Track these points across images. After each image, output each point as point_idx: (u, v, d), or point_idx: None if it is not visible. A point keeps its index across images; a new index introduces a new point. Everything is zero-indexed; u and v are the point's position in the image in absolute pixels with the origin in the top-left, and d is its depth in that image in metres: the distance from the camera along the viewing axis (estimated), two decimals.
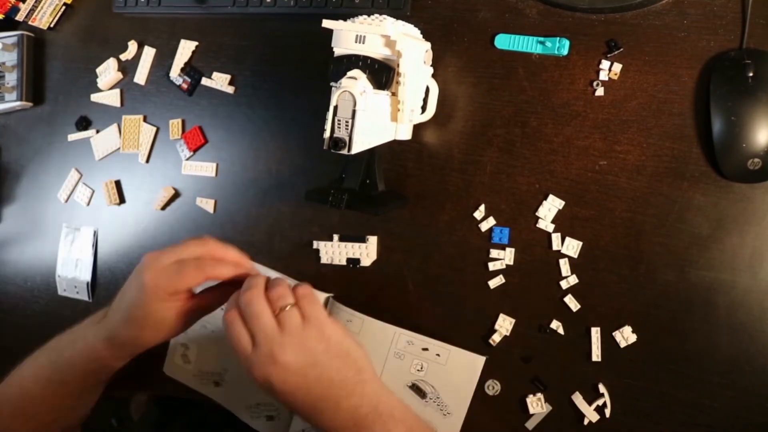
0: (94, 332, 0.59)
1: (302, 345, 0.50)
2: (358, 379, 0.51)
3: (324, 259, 0.67)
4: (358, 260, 0.66)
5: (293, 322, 0.50)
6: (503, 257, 0.60)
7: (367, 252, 0.65)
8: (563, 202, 0.58)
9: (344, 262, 0.66)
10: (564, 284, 0.58)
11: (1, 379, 0.64)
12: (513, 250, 0.60)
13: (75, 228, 0.81)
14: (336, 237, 0.67)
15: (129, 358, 0.61)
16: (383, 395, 0.52)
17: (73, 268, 0.81)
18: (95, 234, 0.80)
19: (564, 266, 0.58)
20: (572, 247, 0.58)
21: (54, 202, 0.83)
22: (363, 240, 0.66)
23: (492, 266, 0.60)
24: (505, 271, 0.60)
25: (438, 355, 0.61)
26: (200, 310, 0.57)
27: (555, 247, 0.58)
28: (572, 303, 0.58)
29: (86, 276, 0.79)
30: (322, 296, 0.66)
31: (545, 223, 0.59)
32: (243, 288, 0.52)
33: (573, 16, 0.59)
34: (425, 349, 0.61)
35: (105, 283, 0.79)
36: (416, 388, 0.62)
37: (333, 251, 0.67)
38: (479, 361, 0.60)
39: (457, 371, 0.60)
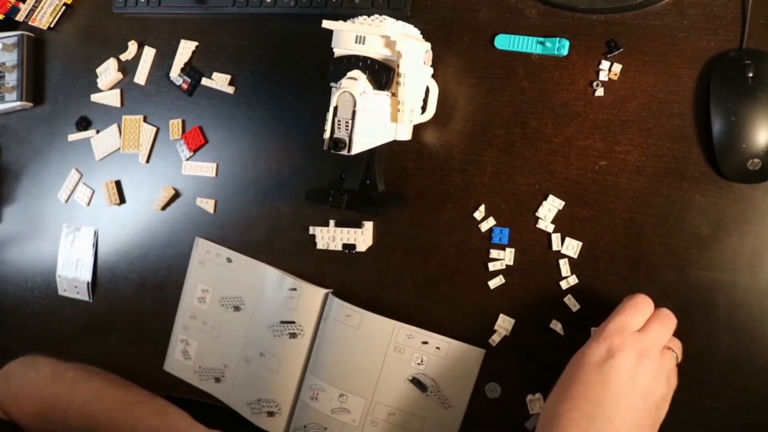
0: None
1: (656, 377, 0.48)
2: None
3: (320, 245, 0.67)
4: (353, 245, 0.66)
5: (670, 362, 0.50)
6: (503, 257, 0.60)
7: (363, 237, 0.66)
8: (563, 203, 0.58)
9: (340, 248, 0.67)
10: (564, 284, 0.58)
11: None
12: (513, 250, 0.60)
13: (75, 228, 0.81)
14: (332, 222, 0.67)
15: None
16: None
17: (73, 268, 0.81)
18: (95, 234, 0.80)
19: (564, 266, 0.58)
20: (572, 247, 0.58)
21: (54, 202, 0.83)
22: (359, 225, 0.66)
23: (492, 266, 0.60)
24: (505, 271, 0.60)
25: (438, 348, 0.61)
26: None
27: (555, 248, 0.58)
28: (572, 303, 0.58)
29: (86, 276, 0.79)
30: (321, 292, 0.66)
31: (545, 223, 0.59)
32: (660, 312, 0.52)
33: (573, 16, 0.59)
34: (425, 343, 0.62)
35: (105, 283, 0.79)
36: (417, 382, 0.62)
37: (329, 236, 0.67)
38: (479, 353, 0.60)
39: (457, 364, 0.61)
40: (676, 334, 0.51)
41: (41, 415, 0.63)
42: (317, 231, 0.67)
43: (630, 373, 0.47)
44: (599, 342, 0.49)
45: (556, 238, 0.58)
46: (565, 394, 0.49)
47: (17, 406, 0.63)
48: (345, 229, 0.66)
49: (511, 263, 0.60)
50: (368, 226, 0.66)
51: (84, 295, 0.80)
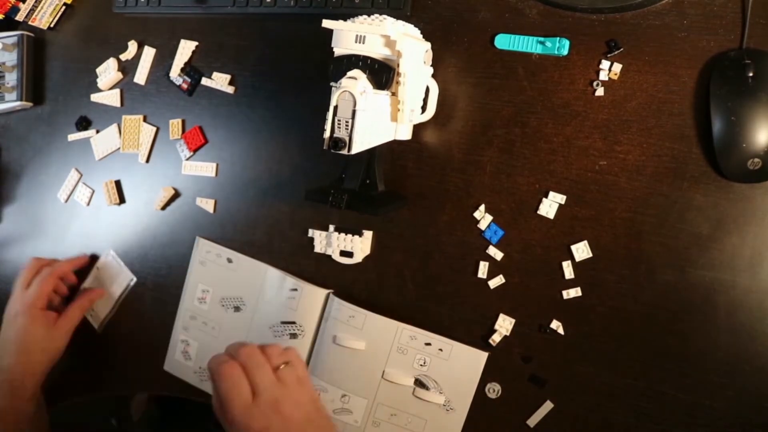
0: None
1: (299, 401, 0.52)
2: None
3: (317, 248, 0.67)
4: (351, 253, 0.66)
5: (291, 378, 0.53)
6: (503, 257, 0.60)
7: (361, 246, 0.65)
8: (564, 196, 0.58)
9: (337, 255, 0.66)
10: (564, 284, 0.58)
11: None
12: (513, 250, 0.60)
13: (119, 263, 0.79)
14: (332, 227, 0.67)
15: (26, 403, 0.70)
16: None
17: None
18: (129, 284, 0.79)
19: (564, 266, 0.58)
20: (573, 247, 0.58)
21: (54, 202, 0.83)
22: (359, 233, 0.66)
23: (492, 266, 0.60)
24: (505, 271, 0.60)
25: (441, 350, 0.61)
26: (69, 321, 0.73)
27: (561, 250, 0.58)
28: (572, 303, 0.58)
29: (105, 311, 0.79)
30: (322, 292, 0.66)
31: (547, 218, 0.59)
32: (235, 345, 0.54)
33: (573, 16, 0.59)
34: (428, 344, 0.62)
35: None
36: (419, 383, 0.62)
37: (326, 242, 0.67)
38: (482, 356, 0.60)
39: (459, 367, 0.61)
40: (677, 333, 0.51)
41: None
42: (316, 234, 0.67)
43: (286, 429, 0.51)
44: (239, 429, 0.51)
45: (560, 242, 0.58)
46: None
47: None
48: (342, 235, 0.66)
49: (511, 263, 0.60)
50: (368, 235, 0.66)
51: (97, 321, 0.80)
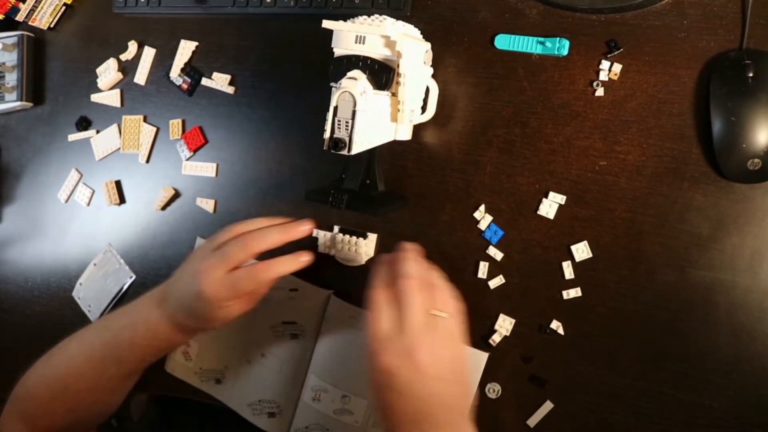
0: (156, 317, 0.61)
1: (441, 355, 0.48)
2: (464, 414, 0.51)
3: (320, 249, 0.67)
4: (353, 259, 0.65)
5: (443, 330, 0.49)
6: (503, 257, 0.60)
7: (365, 249, 0.65)
8: (564, 197, 0.58)
9: (340, 257, 0.66)
10: (564, 285, 0.58)
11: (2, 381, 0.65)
12: (513, 250, 0.60)
13: (119, 261, 0.79)
14: (336, 228, 0.67)
15: (199, 334, 0.65)
16: None
17: (96, 291, 0.80)
18: (130, 282, 0.78)
19: (564, 267, 0.58)
20: (573, 247, 0.58)
21: (54, 202, 0.83)
22: (363, 236, 0.65)
23: (492, 266, 0.60)
24: (505, 271, 0.60)
25: None
26: (261, 294, 0.60)
27: (562, 251, 0.58)
28: (572, 303, 0.58)
29: (100, 310, 0.79)
30: (322, 292, 0.66)
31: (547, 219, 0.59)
32: (403, 271, 0.51)
33: (573, 16, 0.59)
34: None
35: None
36: None
37: (330, 243, 0.67)
38: (482, 357, 0.60)
39: None
40: (677, 333, 0.51)
41: (58, 400, 0.63)
42: (320, 234, 0.67)
43: (413, 377, 0.47)
44: (373, 370, 0.49)
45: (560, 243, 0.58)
46: (384, 418, 0.50)
47: (40, 409, 0.64)
48: (347, 237, 0.66)
49: (511, 263, 0.60)
50: (372, 237, 0.65)
51: (94, 316, 0.79)
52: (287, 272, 0.59)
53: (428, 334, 0.48)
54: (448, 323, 0.50)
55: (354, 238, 0.65)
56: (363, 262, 0.65)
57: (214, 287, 0.56)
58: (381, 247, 0.65)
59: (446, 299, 0.52)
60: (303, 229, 0.61)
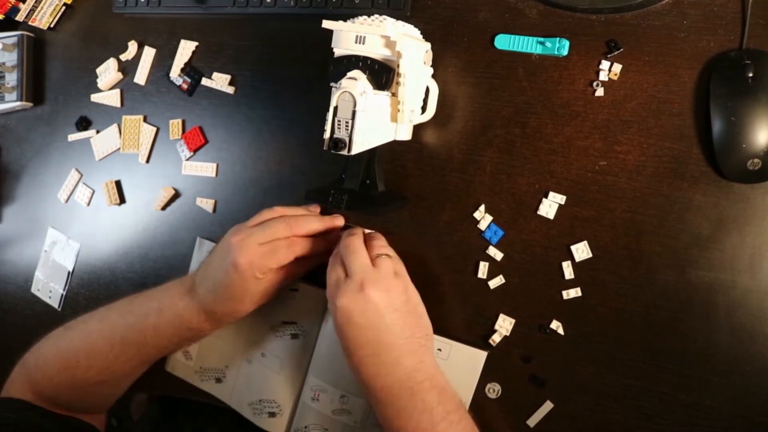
0: (185, 304, 0.61)
1: (389, 288, 0.54)
2: (424, 344, 0.55)
3: None
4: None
5: (386, 267, 0.55)
6: (503, 257, 0.60)
7: None
8: (564, 197, 0.58)
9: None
10: (564, 285, 0.58)
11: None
12: (513, 250, 0.60)
13: (67, 237, 0.81)
14: None
15: (225, 325, 0.64)
16: (438, 369, 0.56)
17: (51, 273, 0.82)
18: (78, 252, 0.80)
19: (564, 267, 0.58)
20: (572, 247, 0.58)
21: (54, 202, 0.83)
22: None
23: (492, 266, 0.60)
24: (505, 272, 0.60)
25: (439, 350, 0.61)
26: (291, 278, 0.62)
27: (562, 251, 0.58)
28: (572, 303, 0.58)
29: (60, 288, 0.80)
30: (323, 293, 0.66)
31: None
32: (344, 235, 0.58)
33: (573, 16, 0.59)
34: None
35: (105, 283, 0.79)
36: None
37: None
38: (481, 356, 0.60)
39: (458, 366, 0.60)
40: (677, 333, 0.51)
41: (66, 373, 0.63)
42: None
43: (366, 308, 0.52)
44: (333, 314, 0.54)
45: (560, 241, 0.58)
46: (350, 355, 0.54)
47: (47, 378, 0.64)
48: None
49: (511, 263, 0.60)
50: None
51: (55, 302, 0.80)
52: (320, 229, 0.61)
53: (373, 272, 0.54)
54: (389, 262, 0.56)
55: None
56: None
57: (248, 256, 0.57)
58: None
59: (383, 245, 0.58)
60: (338, 222, 0.63)
